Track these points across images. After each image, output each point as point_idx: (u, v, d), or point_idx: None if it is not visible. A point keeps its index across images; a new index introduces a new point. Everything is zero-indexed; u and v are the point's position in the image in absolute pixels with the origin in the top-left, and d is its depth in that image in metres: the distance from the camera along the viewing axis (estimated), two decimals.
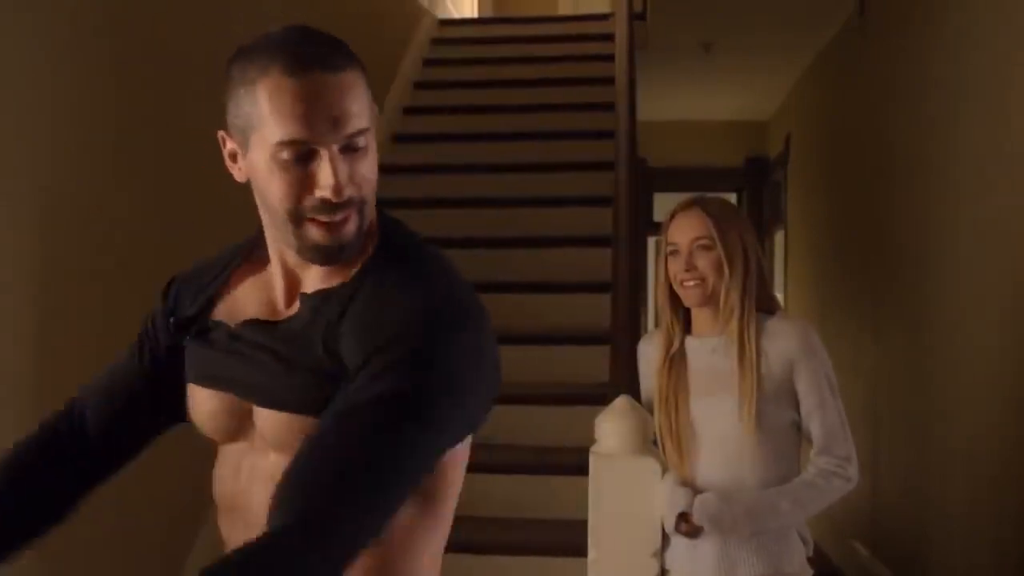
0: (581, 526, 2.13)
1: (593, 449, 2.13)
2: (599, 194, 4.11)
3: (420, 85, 5.36)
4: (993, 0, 3.25)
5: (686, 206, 2.04)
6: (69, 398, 1.21)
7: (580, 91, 5.07)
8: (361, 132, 1.01)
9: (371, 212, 1.07)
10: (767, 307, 2.03)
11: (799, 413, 1.98)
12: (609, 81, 4.70)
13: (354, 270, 1.06)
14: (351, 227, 1.03)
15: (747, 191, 7.68)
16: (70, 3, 2.20)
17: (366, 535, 0.92)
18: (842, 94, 5.35)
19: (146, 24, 2.52)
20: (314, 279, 1.08)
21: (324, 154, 0.99)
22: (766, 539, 1.95)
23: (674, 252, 2.02)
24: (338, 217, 1.01)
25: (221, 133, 1.06)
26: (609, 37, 5.32)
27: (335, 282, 1.07)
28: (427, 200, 4.39)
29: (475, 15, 8.26)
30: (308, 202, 1.01)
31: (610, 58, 4.99)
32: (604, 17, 6.18)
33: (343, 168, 1.00)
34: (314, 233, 1.02)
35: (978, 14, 3.38)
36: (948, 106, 3.63)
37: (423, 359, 0.97)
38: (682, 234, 2.01)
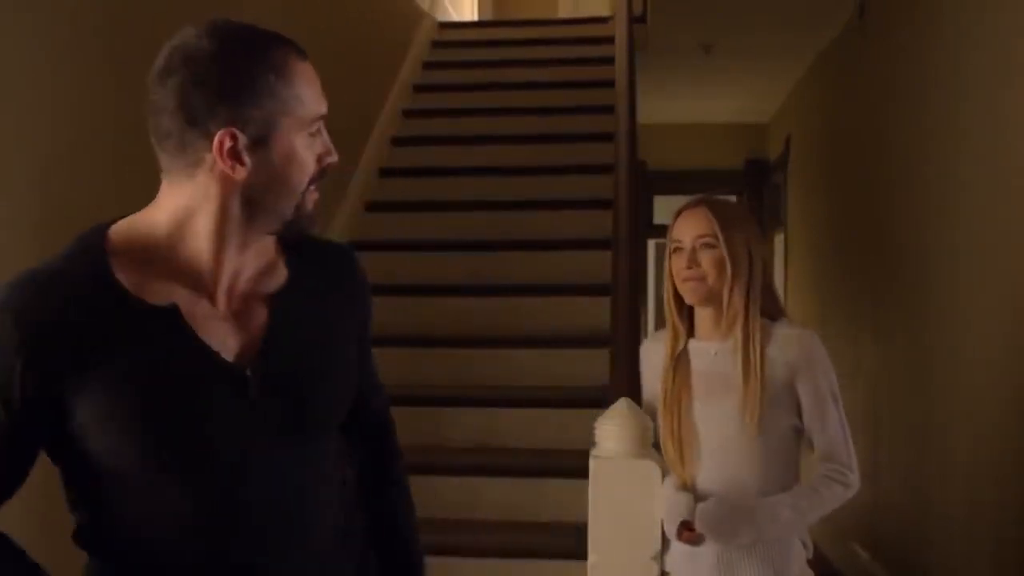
0: (581, 529, 2.13)
1: (593, 452, 2.13)
2: (599, 197, 4.10)
3: (420, 88, 5.36)
4: (993, 0, 3.25)
5: (693, 204, 2.05)
6: None
7: (580, 94, 5.08)
8: None
9: None
10: (772, 313, 2.02)
11: (800, 419, 1.98)
12: (609, 84, 4.69)
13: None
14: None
15: (747, 193, 7.68)
16: (70, 3, 2.19)
17: None
18: (842, 96, 5.35)
19: (146, 24, 2.51)
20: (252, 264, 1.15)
21: (324, 127, 1.13)
22: (766, 543, 1.94)
23: (678, 249, 2.02)
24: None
25: (229, 131, 1.04)
26: (609, 40, 5.31)
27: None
28: (426, 203, 4.40)
29: (475, 18, 8.27)
30: (316, 172, 1.13)
31: (610, 60, 4.99)
32: (604, 20, 6.18)
33: None
34: (311, 201, 1.13)
35: (978, 14, 3.37)
36: (948, 106, 3.63)
37: None
38: (686, 232, 2.01)
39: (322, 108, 1.12)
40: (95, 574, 1.14)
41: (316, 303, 1.19)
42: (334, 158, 1.14)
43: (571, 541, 2.42)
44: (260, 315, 1.13)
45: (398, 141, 4.84)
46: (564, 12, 8.47)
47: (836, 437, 1.95)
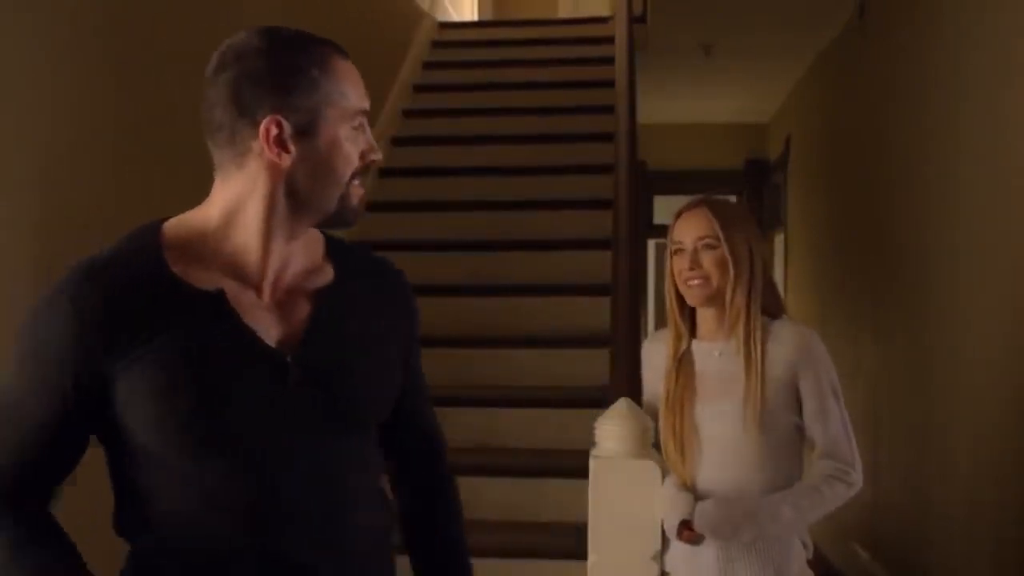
0: (581, 529, 2.13)
1: (593, 452, 2.13)
2: (599, 197, 4.11)
3: (420, 88, 5.36)
4: (993, 0, 3.25)
5: (693, 205, 2.04)
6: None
7: (580, 94, 5.08)
8: None
9: None
10: (773, 311, 2.02)
11: (802, 417, 1.98)
12: (609, 84, 4.70)
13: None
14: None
15: (747, 193, 7.68)
16: (70, 3, 2.19)
17: None
18: (842, 95, 5.35)
19: (146, 24, 2.51)
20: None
21: (367, 123, 1.18)
22: (766, 542, 1.94)
23: (679, 250, 2.02)
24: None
25: (274, 119, 1.10)
26: (609, 39, 5.31)
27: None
28: (426, 203, 4.40)
29: (475, 18, 8.26)
30: (360, 165, 1.17)
31: (610, 61, 4.99)
32: (604, 20, 6.18)
33: None
34: (356, 194, 1.17)
35: (978, 14, 3.37)
36: (948, 106, 3.63)
37: None
38: (687, 233, 2.01)
39: (364, 104, 1.17)
40: (136, 560, 1.17)
41: (359, 304, 1.22)
42: (377, 155, 1.18)
43: (571, 541, 2.42)
44: (303, 309, 1.17)
45: (398, 141, 4.84)
46: (564, 12, 8.47)
47: (838, 435, 1.95)
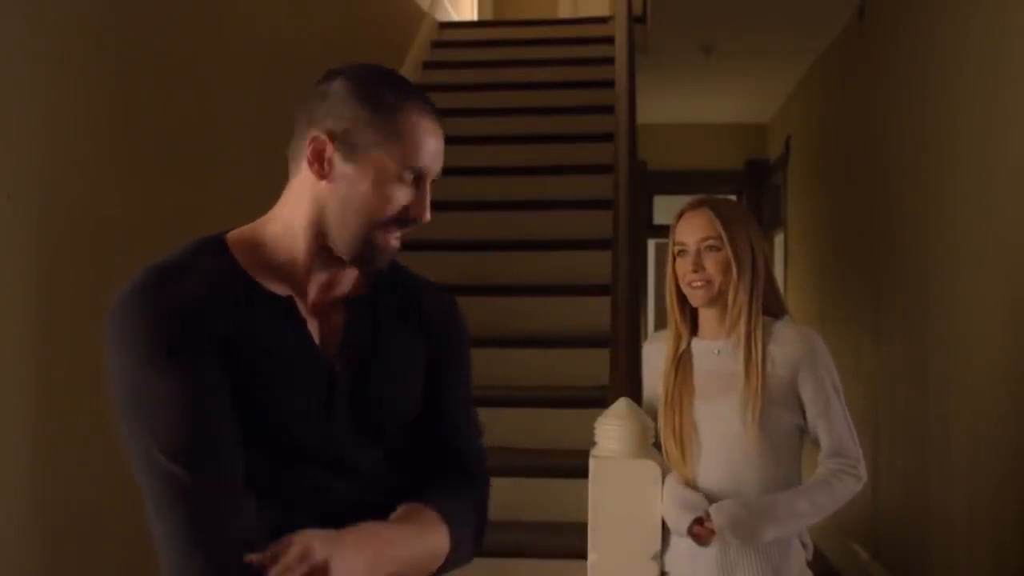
0: (581, 529, 2.12)
1: (593, 452, 2.13)
2: (599, 197, 4.10)
3: (419, 88, 5.35)
4: (993, 1, 3.25)
5: (694, 206, 2.04)
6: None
7: (580, 94, 5.07)
8: None
9: None
10: (774, 311, 2.02)
11: (803, 417, 1.98)
12: (609, 84, 4.69)
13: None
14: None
15: (747, 194, 7.68)
16: (70, 3, 2.19)
17: None
18: (842, 96, 5.35)
19: (147, 25, 2.51)
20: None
21: (425, 183, 1.19)
22: (766, 543, 1.94)
23: (682, 252, 2.02)
24: (404, 233, 1.19)
25: (320, 135, 1.14)
26: (609, 40, 5.31)
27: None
28: None
29: (475, 18, 8.26)
30: (397, 215, 1.17)
31: (610, 61, 4.98)
32: (604, 20, 6.18)
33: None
34: (384, 241, 1.17)
35: (978, 16, 3.38)
36: (948, 108, 3.63)
37: None
38: (690, 234, 2.01)
39: (429, 163, 1.18)
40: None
41: (383, 318, 1.24)
42: (425, 216, 1.19)
43: (571, 541, 2.42)
44: (338, 317, 1.20)
45: None
46: (564, 12, 8.47)
47: (843, 433, 1.96)
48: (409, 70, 5.40)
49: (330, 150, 1.14)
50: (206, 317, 1.10)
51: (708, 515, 1.93)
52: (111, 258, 2.27)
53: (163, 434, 1.06)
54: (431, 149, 1.18)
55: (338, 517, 1.12)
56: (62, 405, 2.08)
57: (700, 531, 1.93)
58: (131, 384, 1.08)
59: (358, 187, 1.14)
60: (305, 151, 1.15)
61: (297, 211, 1.17)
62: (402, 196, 1.16)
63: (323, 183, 1.15)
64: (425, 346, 1.28)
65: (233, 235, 1.20)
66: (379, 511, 1.17)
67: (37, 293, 2.03)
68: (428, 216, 1.20)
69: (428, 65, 5.61)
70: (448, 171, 1.31)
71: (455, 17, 7.08)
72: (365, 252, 1.17)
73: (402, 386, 1.24)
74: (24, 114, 2.02)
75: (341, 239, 1.16)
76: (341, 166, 1.14)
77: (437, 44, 5.92)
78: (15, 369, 1.98)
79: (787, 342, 1.97)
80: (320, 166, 1.14)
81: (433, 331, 1.29)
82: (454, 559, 1.26)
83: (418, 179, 1.18)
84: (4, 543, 1.90)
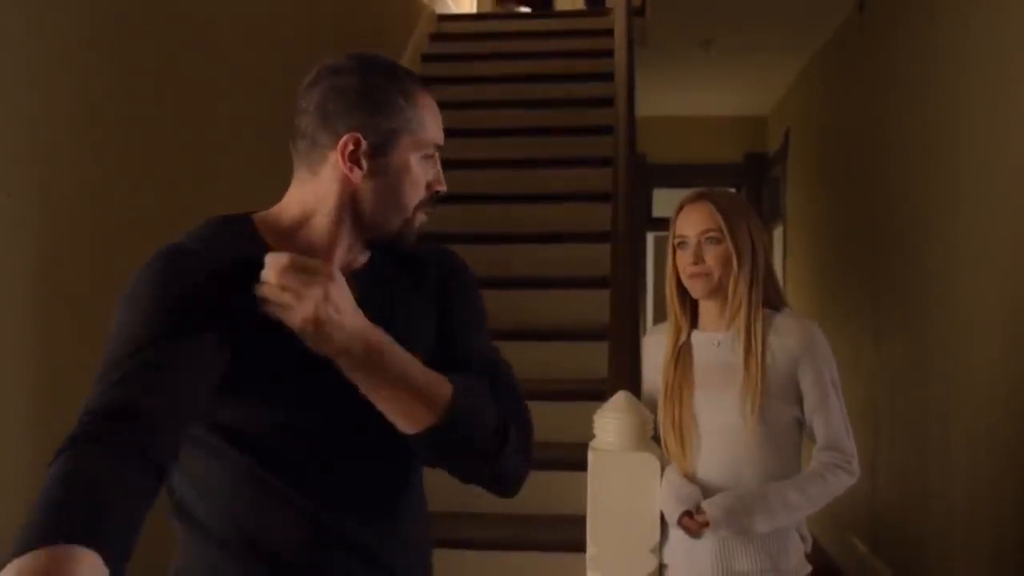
0: (580, 522, 2.13)
1: (592, 445, 2.13)
2: (598, 190, 4.10)
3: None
4: None
5: (695, 198, 2.03)
6: None
7: (579, 87, 5.07)
8: None
9: None
10: (774, 303, 2.03)
11: (802, 410, 1.98)
12: (608, 77, 4.69)
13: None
14: None
15: (746, 187, 7.68)
16: (70, 3, 2.19)
17: None
18: (841, 90, 5.35)
19: (147, 24, 2.51)
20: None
21: (437, 156, 1.25)
22: (764, 535, 1.95)
23: (682, 244, 2.02)
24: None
25: (354, 135, 1.17)
26: (608, 32, 5.31)
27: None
28: None
29: (474, 10, 8.25)
30: (426, 193, 1.24)
31: (609, 54, 4.98)
32: (603, 13, 6.17)
33: None
34: (419, 220, 1.25)
35: (978, 10, 3.37)
36: (948, 103, 3.63)
37: None
38: (691, 226, 2.01)
39: (439, 138, 1.25)
40: (187, 546, 1.19)
41: (397, 287, 1.27)
42: (443, 187, 1.26)
43: (570, 533, 2.43)
44: (352, 290, 1.19)
45: None
46: (563, 4, 8.46)
47: (837, 425, 1.96)
48: (408, 63, 5.39)
49: (361, 148, 1.18)
50: (219, 293, 1.10)
51: (699, 508, 1.94)
52: (111, 257, 2.27)
53: (132, 329, 1.08)
54: (440, 124, 1.25)
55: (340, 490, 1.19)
56: (62, 404, 2.08)
57: (689, 523, 1.94)
58: (118, 320, 1.11)
59: (392, 179, 1.20)
60: (326, 145, 1.17)
61: (321, 206, 1.20)
62: (428, 175, 1.24)
63: (353, 176, 1.18)
64: (436, 306, 1.31)
65: (258, 215, 1.23)
66: (383, 483, 1.24)
67: (37, 292, 2.03)
68: (445, 186, 1.26)
69: (427, 58, 5.60)
70: (447, 164, 1.32)
71: (454, 9, 7.07)
72: (406, 232, 1.24)
73: (423, 350, 1.25)
74: (24, 112, 2.02)
75: (379, 226, 1.22)
76: (373, 161, 1.19)
77: (436, 37, 5.92)
78: (15, 368, 1.98)
79: (787, 333, 1.97)
80: (353, 164, 1.18)
81: (442, 287, 1.33)
82: (462, 420, 1.27)
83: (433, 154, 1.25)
84: (4, 543, 1.91)
